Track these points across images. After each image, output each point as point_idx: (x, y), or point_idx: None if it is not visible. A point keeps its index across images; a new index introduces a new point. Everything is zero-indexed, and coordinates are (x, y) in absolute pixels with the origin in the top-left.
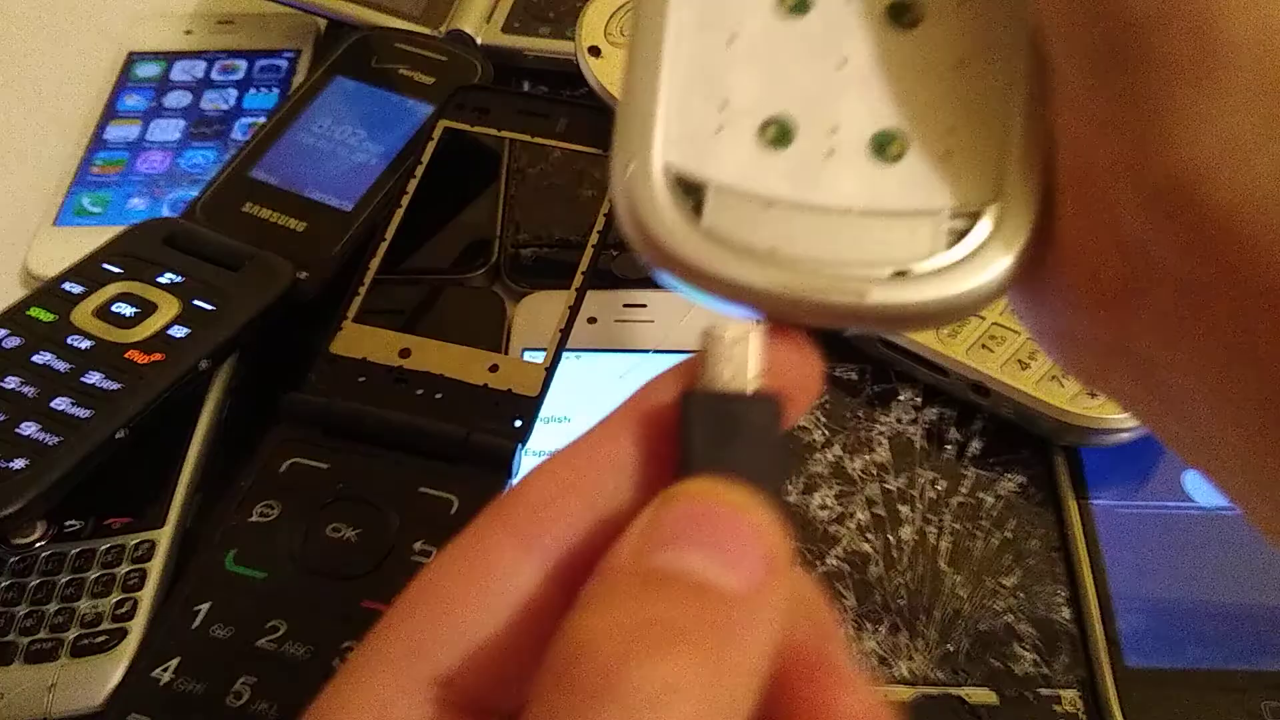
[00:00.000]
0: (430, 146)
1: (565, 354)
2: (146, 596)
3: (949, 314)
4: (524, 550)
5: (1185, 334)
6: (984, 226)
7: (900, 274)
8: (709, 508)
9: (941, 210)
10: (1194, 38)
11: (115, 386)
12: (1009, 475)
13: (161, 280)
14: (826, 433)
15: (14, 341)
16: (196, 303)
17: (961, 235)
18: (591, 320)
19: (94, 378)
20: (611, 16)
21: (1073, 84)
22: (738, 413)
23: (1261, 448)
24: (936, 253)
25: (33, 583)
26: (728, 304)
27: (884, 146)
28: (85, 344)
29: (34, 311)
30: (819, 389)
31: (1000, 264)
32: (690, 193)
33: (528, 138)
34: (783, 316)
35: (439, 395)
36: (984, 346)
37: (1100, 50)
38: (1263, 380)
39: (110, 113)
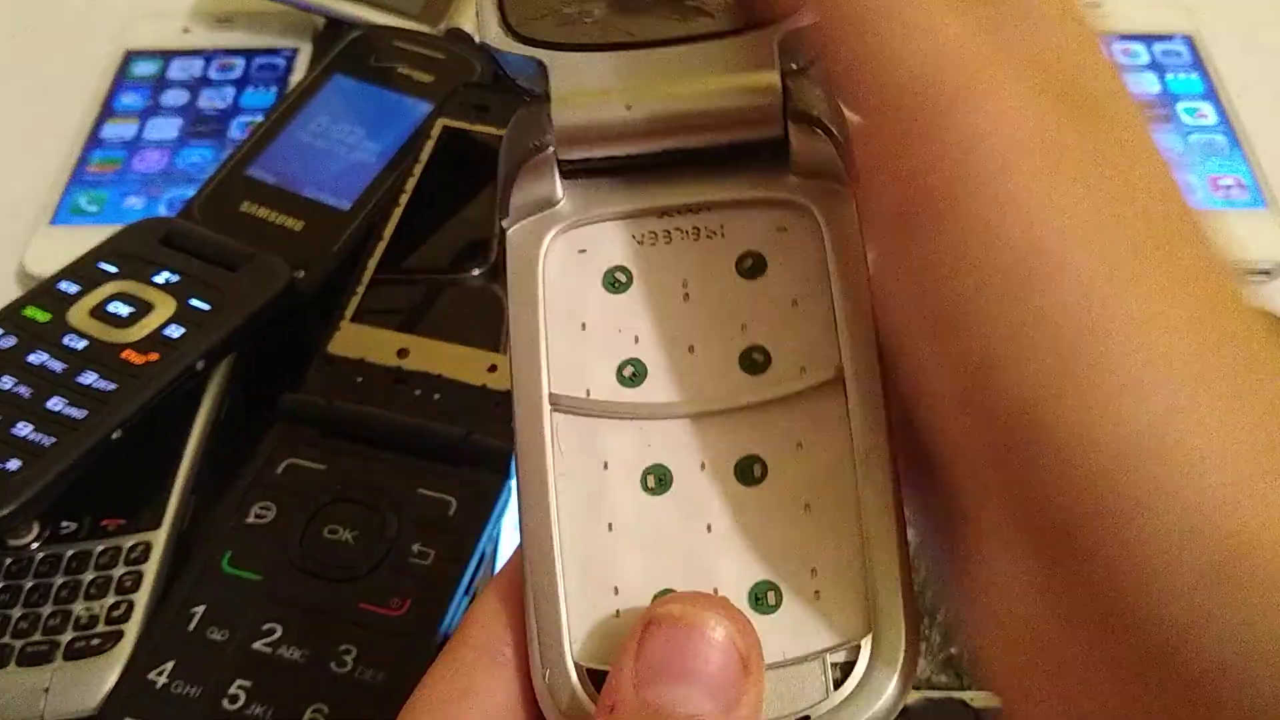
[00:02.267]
0: (429, 145)
1: None
2: (142, 599)
3: None
4: None
5: None
6: (864, 656)
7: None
8: (683, 635)
9: (823, 651)
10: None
11: (111, 387)
12: None
13: (158, 280)
14: None
15: (9, 341)
16: (193, 302)
17: (848, 669)
18: None
19: (89, 378)
20: None
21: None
22: None
23: None
24: (830, 694)
25: (27, 585)
26: None
27: (760, 599)
28: (81, 344)
29: (29, 311)
30: None
31: (888, 687)
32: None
33: None
34: None
35: (437, 395)
36: None
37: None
38: None
39: (107, 111)
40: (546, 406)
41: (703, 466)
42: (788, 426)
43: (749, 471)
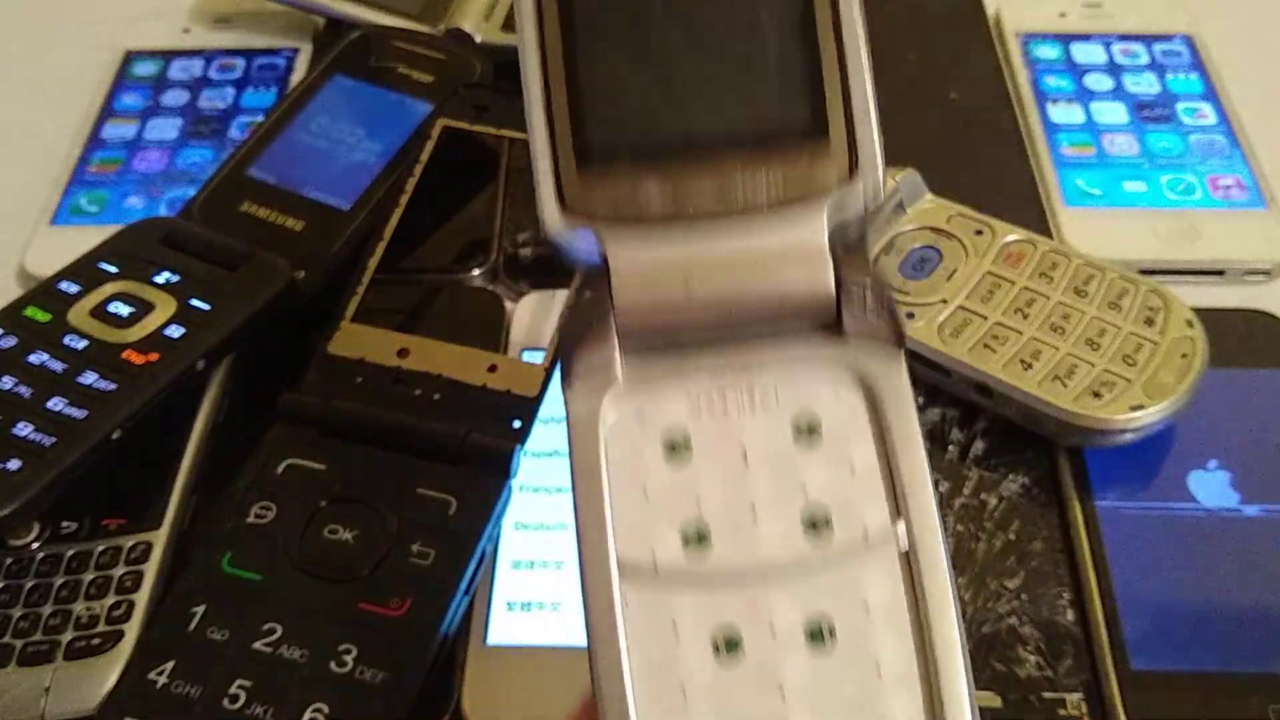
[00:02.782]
0: (429, 145)
1: None
2: (142, 598)
3: None
4: None
5: None
6: None
7: None
8: None
9: None
10: None
11: (111, 387)
12: (1012, 476)
13: (158, 280)
14: None
15: (9, 341)
16: (193, 302)
17: None
18: None
19: (90, 378)
20: None
21: None
22: None
23: None
24: None
25: (27, 585)
26: None
27: None
28: (81, 344)
29: (30, 311)
30: None
31: None
32: None
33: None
34: None
35: (437, 395)
36: (986, 346)
37: None
38: None
39: (107, 111)
40: (614, 575)
41: (772, 629)
42: (854, 587)
43: (818, 633)
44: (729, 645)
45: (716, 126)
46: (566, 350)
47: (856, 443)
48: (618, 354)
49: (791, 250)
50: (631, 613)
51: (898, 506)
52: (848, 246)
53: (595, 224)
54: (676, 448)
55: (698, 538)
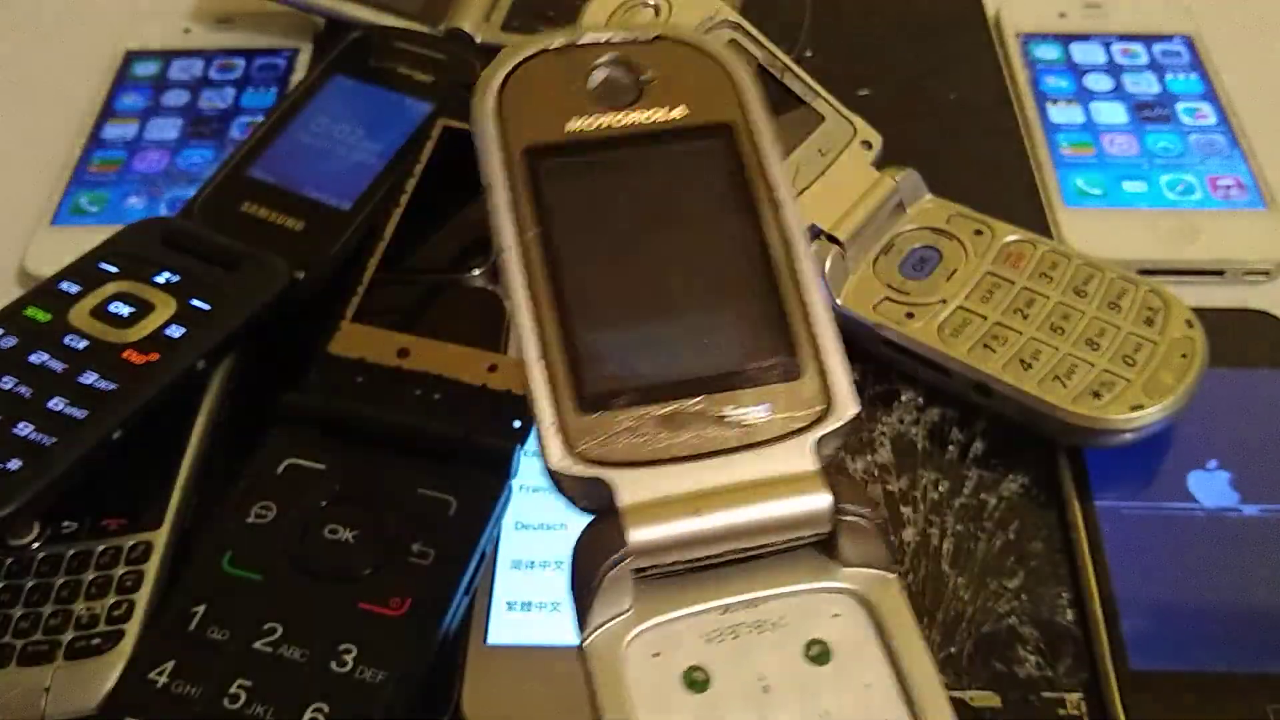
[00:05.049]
0: (429, 145)
1: None
2: (142, 598)
3: None
4: None
5: None
6: None
7: None
8: None
9: None
10: None
11: (111, 387)
12: (1012, 476)
13: (158, 280)
14: None
15: (9, 341)
16: (193, 302)
17: None
18: None
19: (90, 378)
20: (613, 14)
21: None
22: None
23: None
24: None
25: (28, 584)
26: None
27: None
28: (81, 344)
29: (30, 311)
30: None
31: None
32: None
33: None
34: None
35: (438, 395)
36: (986, 346)
37: None
38: None
39: (108, 111)
40: None
41: None
42: None
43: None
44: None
45: (706, 369)
46: (584, 595)
47: (868, 665)
48: (631, 591)
49: (787, 479)
50: None
51: (915, 716)
52: (840, 477)
53: (603, 467)
54: (696, 681)
55: None
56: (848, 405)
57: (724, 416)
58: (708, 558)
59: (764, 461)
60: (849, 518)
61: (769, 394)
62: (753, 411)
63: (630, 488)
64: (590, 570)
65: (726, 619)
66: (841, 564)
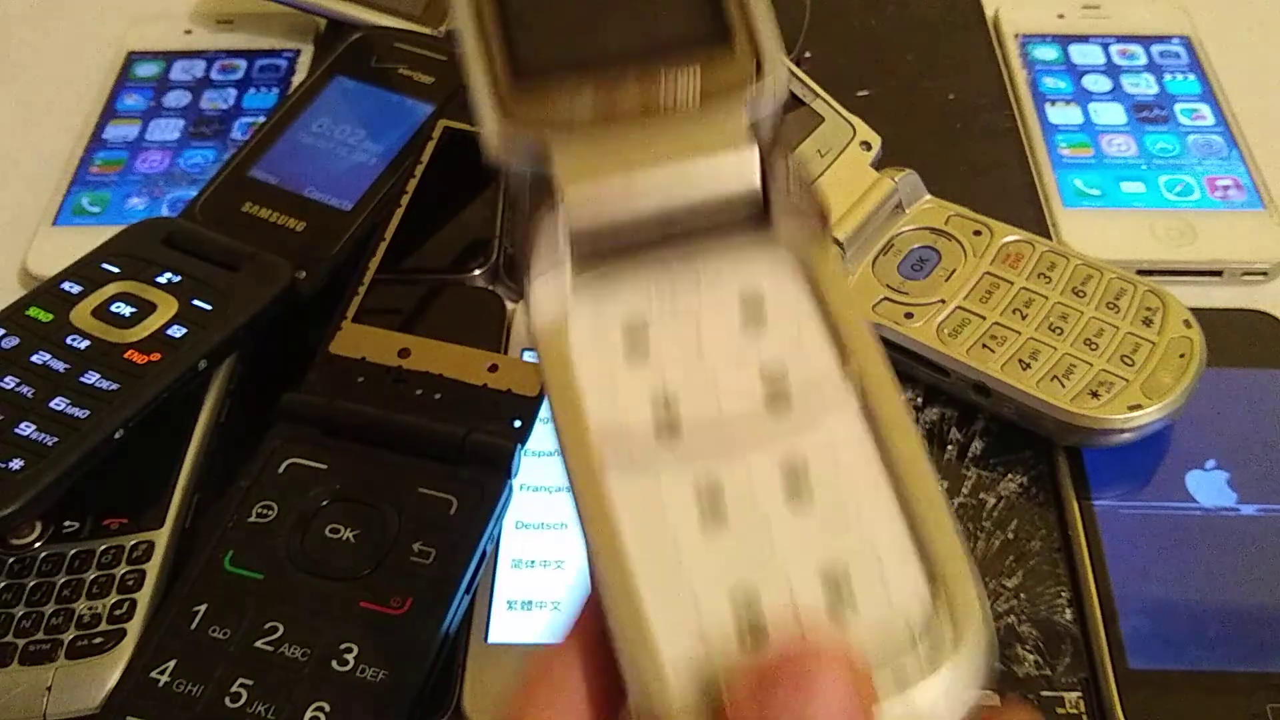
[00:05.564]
0: (430, 146)
1: None
2: (144, 597)
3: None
4: None
5: None
6: (942, 613)
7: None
8: (803, 696)
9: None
10: None
11: (113, 387)
12: (1010, 476)
13: (160, 280)
14: None
15: (12, 341)
16: (195, 302)
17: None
18: None
19: (92, 378)
20: None
21: None
22: None
23: None
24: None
25: (30, 584)
26: None
27: (839, 596)
28: (83, 344)
29: (32, 311)
30: None
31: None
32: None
33: None
34: None
35: (438, 395)
36: (985, 346)
37: None
38: None
39: (109, 112)
40: (597, 461)
41: (752, 490)
42: (820, 441)
43: (797, 488)
44: (717, 515)
45: (638, 36)
46: (523, 256)
47: (799, 314)
48: (570, 254)
49: (718, 141)
50: (618, 495)
51: (848, 360)
52: (769, 139)
53: (536, 132)
54: (636, 333)
55: (668, 415)
56: (776, 67)
57: (657, 80)
58: (642, 223)
59: (695, 125)
60: (778, 179)
61: (699, 57)
62: (684, 76)
63: (564, 150)
64: (530, 234)
65: (666, 277)
66: (773, 216)
